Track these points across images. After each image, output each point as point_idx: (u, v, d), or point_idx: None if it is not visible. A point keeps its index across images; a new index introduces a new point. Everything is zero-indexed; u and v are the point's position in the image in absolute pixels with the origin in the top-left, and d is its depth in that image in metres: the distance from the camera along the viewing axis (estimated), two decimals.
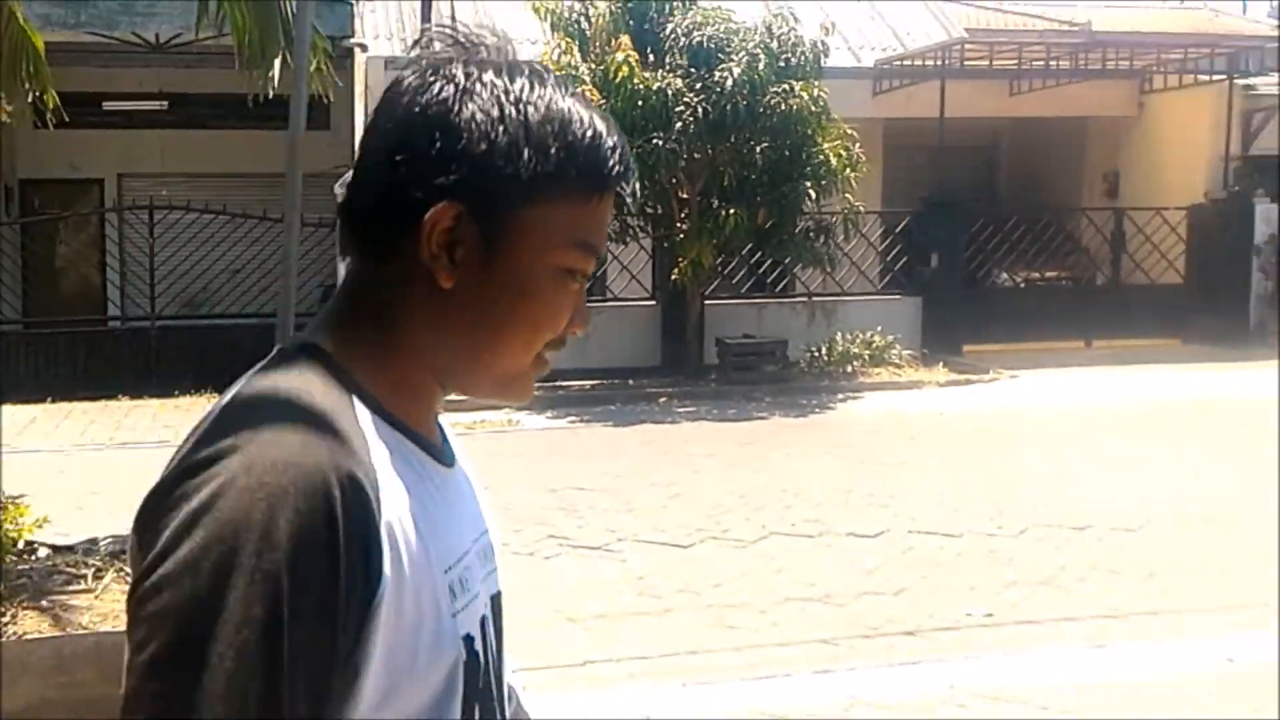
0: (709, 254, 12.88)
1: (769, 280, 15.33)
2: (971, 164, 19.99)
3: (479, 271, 0.98)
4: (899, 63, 16.84)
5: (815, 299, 15.27)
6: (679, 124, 12.26)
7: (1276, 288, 16.73)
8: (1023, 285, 17.31)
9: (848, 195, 13.41)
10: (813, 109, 12.66)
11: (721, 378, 13.37)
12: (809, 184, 12.88)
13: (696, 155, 12.83)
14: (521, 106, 0.98)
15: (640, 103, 12.09)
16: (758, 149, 12.62)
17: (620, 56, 12.15)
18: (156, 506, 0.88)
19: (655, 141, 12.06)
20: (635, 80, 12.09)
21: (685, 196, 13.27)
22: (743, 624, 5.52)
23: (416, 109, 0.98)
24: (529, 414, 11.34)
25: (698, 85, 12.41)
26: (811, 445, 10.00)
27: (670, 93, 12.20)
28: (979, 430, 10.68)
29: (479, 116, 0.97)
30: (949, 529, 7.07)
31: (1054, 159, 20.07)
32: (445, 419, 1.12)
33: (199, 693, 0.81)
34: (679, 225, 13.25)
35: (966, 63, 16.61)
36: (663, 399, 12.47)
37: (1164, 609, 5.51)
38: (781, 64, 12.67)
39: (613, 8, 12.93)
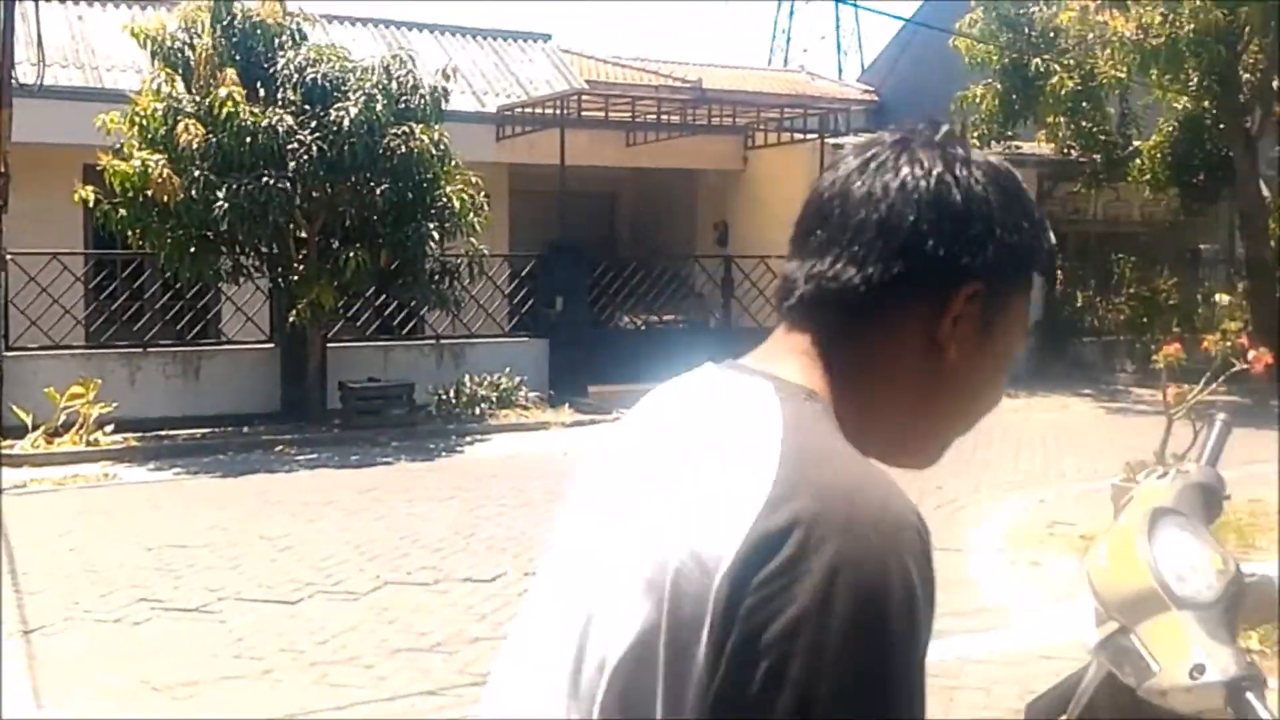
0: (330, 295, 12.52)
1: (395, 323, 15.12)
2: (594, 210, 20.64)
3: (972, 349, 1.09)
4: (521, 110, 17.15)
5: (443, 341, 15.19)
6: (293, 162, 11.89)
7: None
8: (643, 327, 17.99)
9: (472, 239, 13.46)
10: (434, 152, 12.63)
11: (345, 423, 13.00)
12: (433, 226, 12.83)
13: (315, 194, 12.48)
14: (1025, 196, 1.11)
15: (249, 139, 11.62)
16: (378, 190, 12.42)
17: (224, 91, 11.64)
18: (770, 552, 0.92)
19: (266, 180, 11.62)
20: (242, 115, 11.62)
21: (304, 236, 12.86)
22: (348, 681, 5.31)
23: (946, 187, 1.07)
24: (127, 466, 10.55)
25: (312, 123, 12.08)
26: (436, 490, 9.87)
27: (281, 130, 11.81)
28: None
29: (1003, 201, 1.09)
30: None
31: (669, 208, 21.08)
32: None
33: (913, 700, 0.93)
34: (297, 265, 12.82)
35: (585, 113, 17.14)
36: (280, 447, 11.96)
37: None
38: (401, 106, 12.57)
39: (217, 40, 12.36)
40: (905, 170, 1.08)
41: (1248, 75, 16.48)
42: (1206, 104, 16.94)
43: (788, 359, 1.13)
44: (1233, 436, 2.22)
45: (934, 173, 1.08)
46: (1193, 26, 15.69)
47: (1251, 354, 7.29)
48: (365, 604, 6.49)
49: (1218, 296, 17.79)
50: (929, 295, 1.07)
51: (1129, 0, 16.47)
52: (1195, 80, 16.42)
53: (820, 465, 0.98)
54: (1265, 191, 17.18)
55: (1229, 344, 7.55)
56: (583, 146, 16.88)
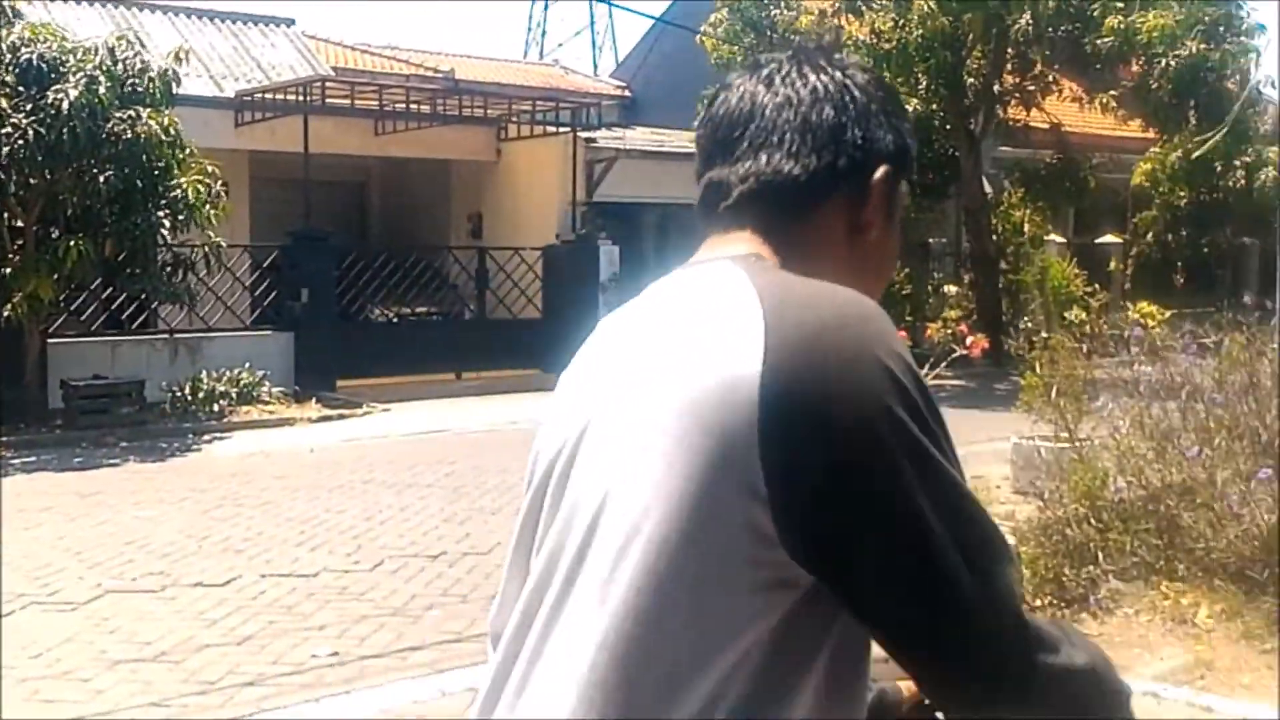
0: (49, 287, 11.69)
1: (125, 316, 14.25)
2: (343, 199, 20.09)
3: (883, 226, 1.23)
4: (261, 95, 16.48)
5: (178, 336, 14.42)
6: (7, 147, 11.03)
7: None
8: (395, 320, 17.61)
9: (209, 230, 12.82)
10: (164, 137, 11.96)
11: (68, 423, 12.17)
12: (164, 215, 12.15)
13: (33, 181, 11.62)
14: (897, 95, 1.31)
15: None
16: (102, 177, 11.66)
17: None
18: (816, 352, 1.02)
19: None
20: None
21: (20, 225, 11.95)
22: (63, 696, 4.93)
23: (848, 90, 1.22)
24: None
25: (28, 106, 11.24)
26: (167, 491, 9.34)
27: None
28: (347, 465, 10.59)
29: (888, 97, 1.26)
30: (305, 569, 6.88)
31: (422, 198, 20.72)
32: None
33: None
34: (12, 256, 11.90)
35: (331, 100, 16.61)
36: None
37: None
38: (127, 89, 11.85)
39: None
40: (812, 77, 1.22)
41: (972, 79, 17.52)
42: (935, 106, 17.90)
43: (735, 248, 1.19)
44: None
45: (836, 76, 1.23)
46: (921, 32, 16.56)
47: (969, 340, 7.71)
48: (83, 614, 6.05)
49: (946, 287, 18.88)
50: (853, 180, 1.21)
51: (863, 6, 17.24)
52: (924, 83, 17.33)
53: (795, 286, 1.10)
54: (987, 189, 18.31)
55: (950, 331, 7.96)
56: (329, 134, 16.38)
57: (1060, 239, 21.10)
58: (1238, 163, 18.72)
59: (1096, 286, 19.54)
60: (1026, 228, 18.60)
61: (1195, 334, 8.21)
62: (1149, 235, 20.67)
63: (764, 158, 1.20)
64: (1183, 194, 19.51)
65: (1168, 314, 14.96)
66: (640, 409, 1.09)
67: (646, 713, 1.02)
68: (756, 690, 1.02)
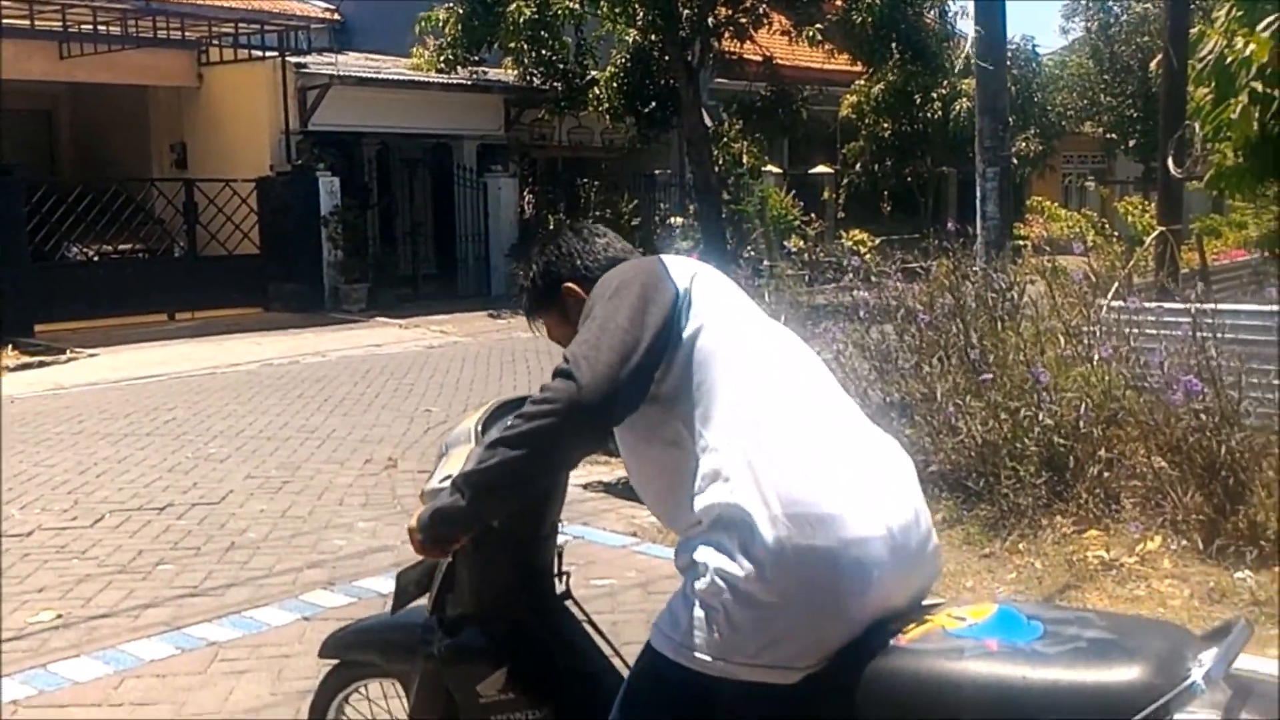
0: None
1: None
2: (26, 129, 18.50)
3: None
4: None
5: None
6: None
7: (345, 255, 17.85)
8: (97, 259, 16.42)
9: None
10: None
11: None
12: None
13: None
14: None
15: None
16: None
17: None
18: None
19: None
20: None
21: None
22: None
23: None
24: None
25: None
26: None
27: None
28: (54, 416, 9.84)
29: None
30: (16, 528, 6.36)
31: (119, 128, 19.35)
32: None
33: None
34: None
35: (6, 21, 15.15)
36: None
37: (243, 579, 5.46)
38: None
39: None
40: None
41: (687, 10, 17.73)
42: (654, 37, 18.07)
43: None
44: None
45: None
46: None
47: None
48: None
49: (673, 219, 19.24)
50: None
51: None
52: (641, 14, 17.45)
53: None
54: (707, 120, 18.69)
55: None
56: (7, 58, 14.97)
57: (777, 170, 21.88)
58: (935, 95, 19.85)
59: (812, 216, 20.43)
60: (745, 159, 19.15)
61: (905, 260, 8.68)
62: (857, 165, 21.69)
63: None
64: (886, 125, 20.55)
65: (877, 240, 15.83)
66: None
67: None
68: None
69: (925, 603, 1.96)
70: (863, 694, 1.76)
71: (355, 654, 2.73)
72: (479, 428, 2.30)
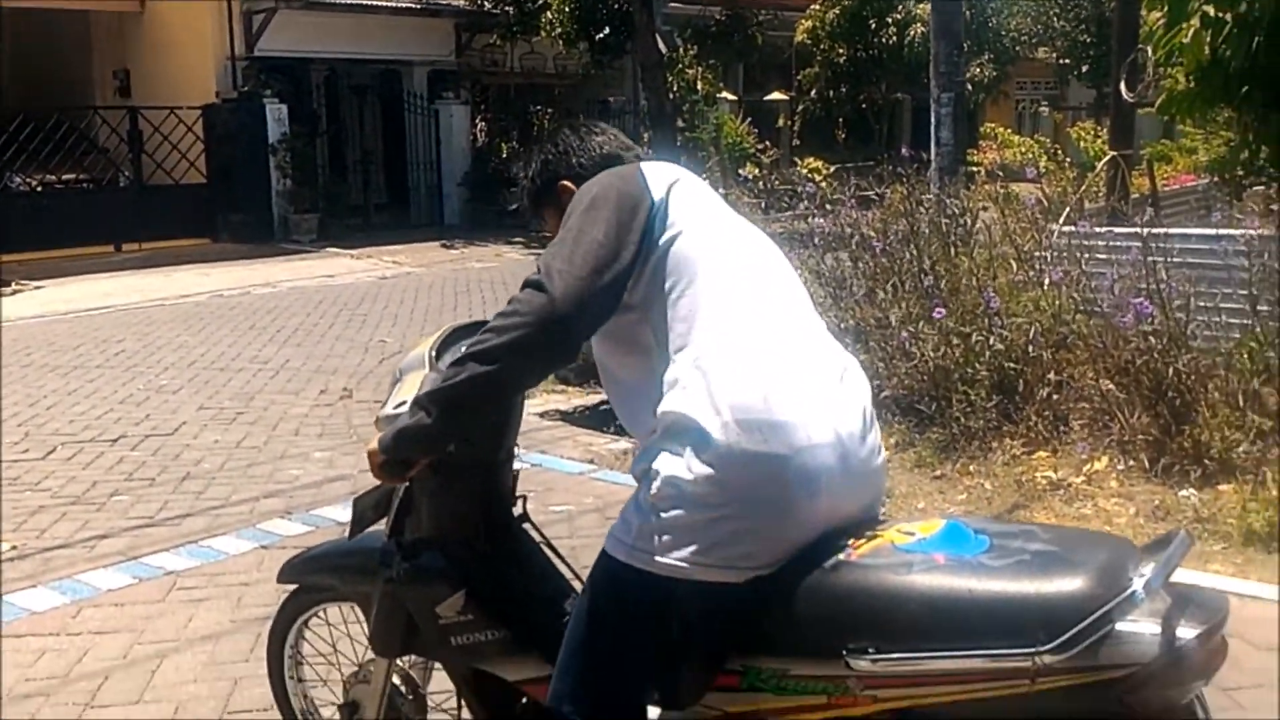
0: None
1: None
2: None
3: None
4: None
5: None
6: None
7: (294, 185, 17.60)
8: (40, 189, 16.08)
9: None
10: None
11: None
12: None
13: None
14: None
15: None
16: None
17: None
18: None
19: None
20: None
21: None
22: None
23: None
24: None
25: None
26: None
27: None
28: (3, 349, 9.71)
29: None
30: None
31: (60, 54, 18.88)
32: None
33: None
34: None
35: None
36: None
37: (199, 509, 5.45)
38: None
39: None
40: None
41: None
42: None
43: None
44: None
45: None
46: None
47: None
48: None
49: None
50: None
51: None
52: None
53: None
54: (661, 46, 18.48)
55: None
56: None
57: (732, 97, 21.72)
58: (890, 20, 19.74)
59: (767, 143, 20.34)
60: (700, 85, 18.98)
61: (859, 187, 8.69)
62: (812, 92, 21.60)
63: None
64: (842, 51, 20.43)
65: (833, 168, 15.80)
66: None
67: None
68: None
69: (876, 520, 2.01)
70: (812, 605, 1.81)
71: (313, 578, 2.75)
72: (433, 353, 2.29)
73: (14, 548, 4.97)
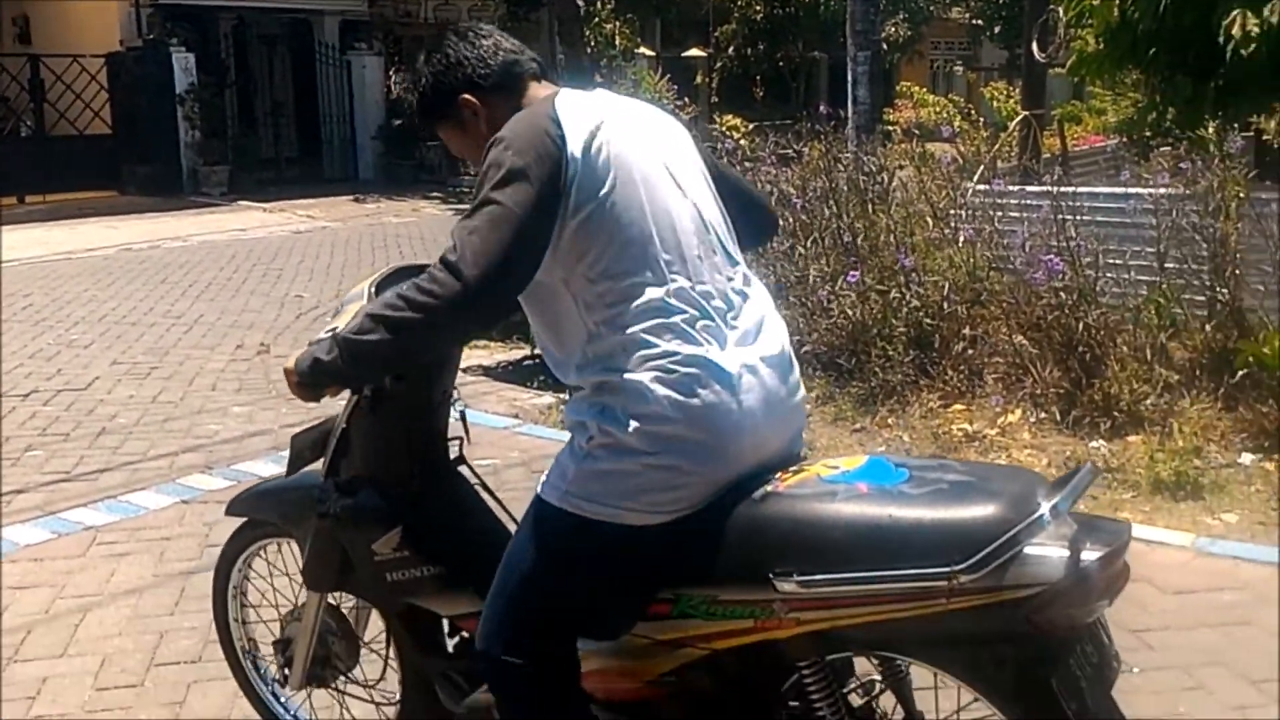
0: None
1: None
2: None
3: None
4: None
5: None
6: None
7: (203, 136, 17.21)
8: None
9: None
10: None
11: None
12: None
13: None
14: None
15: None
16: None
17: None
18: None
19: None
20: None
21: None
22: None
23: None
24: None
25: None
26: None
27: None
28: None
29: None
30: None
31: None
32: None
33: None
34: None
35: None
36: None
37: (116, 464, 5.37)
38: None
39: None
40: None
41: None
42: None
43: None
44: None
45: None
46: None
47: None
48: None
49: None
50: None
51: None
52: None
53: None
54: (579, 1, 18.35)
55: None
56: None
57: (650, 52, 21.66)
58: None
59: (686, 100, 20.33)
60: (618, 40, 18.92)
61: (778, 145, 8.76)
62: (730, 49, 21.62)
63: None
64: (759, 8, 20.48)
65: (751, 126, 15.85)
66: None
67: None
68: None
69: (798, 457, 2.10)
70: (740, 533, 1.90)
71: (258, 513, 2.78)
72: (373, 289, 2.30)
73: None
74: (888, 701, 2.12)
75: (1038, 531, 1.72)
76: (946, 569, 1.72)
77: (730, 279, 2.05)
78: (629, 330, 1.92)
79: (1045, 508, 1.74)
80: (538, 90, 2.14)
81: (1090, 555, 1.72)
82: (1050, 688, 1.74)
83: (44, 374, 7.05)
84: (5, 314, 8.92)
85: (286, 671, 2.70)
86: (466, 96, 2.13)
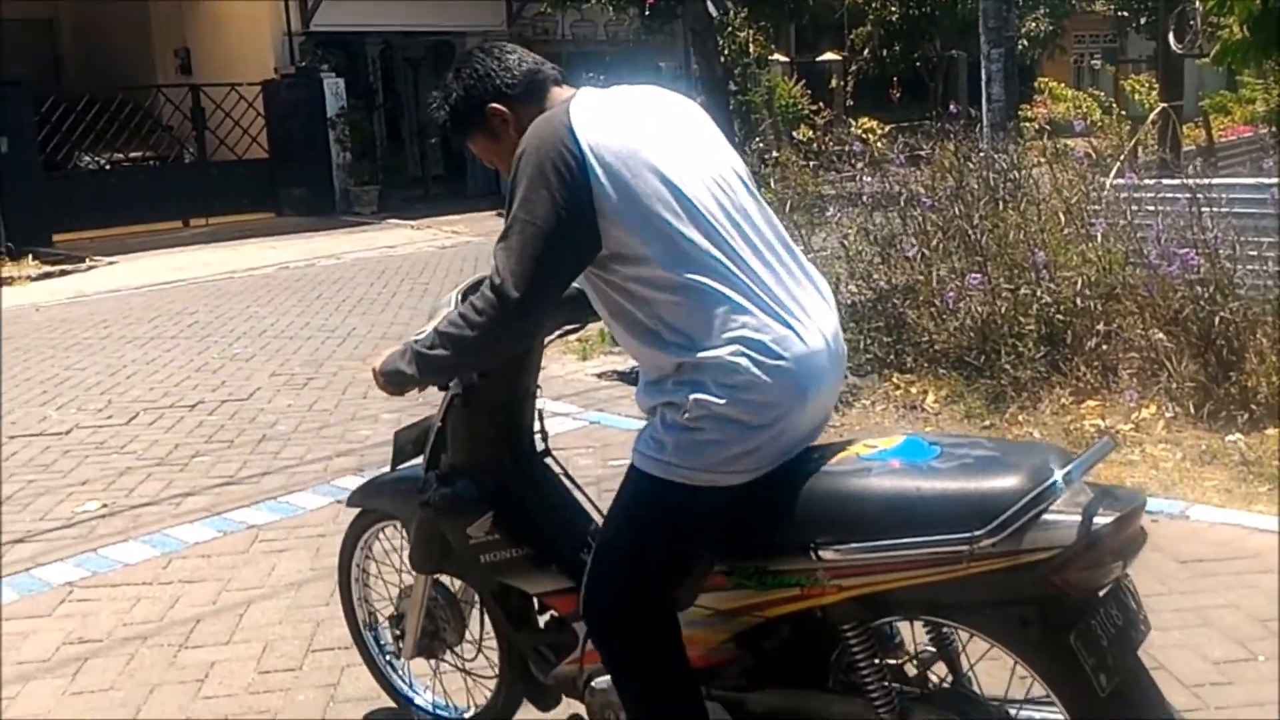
0: None
1: None
2: (29, 40, 18.48)
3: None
4: None
5: None
6: None
7: (353, 158, 17.90)
8: (109, 167, 16.53)
9: None
10: None
11: None
12: None
13: None
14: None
15: None
16: None
17: None
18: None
19: None
20: None
21: None
22: None
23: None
24: None
25: None
26: None
27: None
28: (80, 322, 10.08)
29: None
30: (55, 427, 6.63)
31: (121, 35, 19.28)
32: None
33: None
34: None
35: None
36: None
37: (276, 468, 5.71)
38: None
39: None
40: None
41: None
42: None
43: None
44: None
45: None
46: None
47: None
48: None
49: None
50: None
51: None
52: None
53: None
54: (712, 9, 18.49)
55: None
56: None
57: (784, 58, 21.68)
58: None
59: (821, 104, 20.30)
60: (751, 48, 18.99)
61: (910, 145, 8.74)
62: (865, 51, 21.51)
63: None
64: (894, 9, 20.32)
65: (887, 128, 15.78)
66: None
67: None
68: None
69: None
70: (787, 507, 2.09)
71: (372, 503, 3.08)
72: (460, 296, 2.54)
73: (104, 505, 5.26)
74: (939, 674, 2.28)
75: (1051, 498, 1.86)
76: (968, 535, 1.88)
77: (786, 248, 2.22)
78: (699, 313, 2.08)
79: (1058, 475, 1.88)
80: (558, 93, 2.32)
81: (1103, 520, 1.86)
82: (1069, 643, 1.87)
83: (209, 385, 7.50)
84: (173, 330, 9.49)
85: (400, 644, 2.99)
86: (495, 106, 2.30)
